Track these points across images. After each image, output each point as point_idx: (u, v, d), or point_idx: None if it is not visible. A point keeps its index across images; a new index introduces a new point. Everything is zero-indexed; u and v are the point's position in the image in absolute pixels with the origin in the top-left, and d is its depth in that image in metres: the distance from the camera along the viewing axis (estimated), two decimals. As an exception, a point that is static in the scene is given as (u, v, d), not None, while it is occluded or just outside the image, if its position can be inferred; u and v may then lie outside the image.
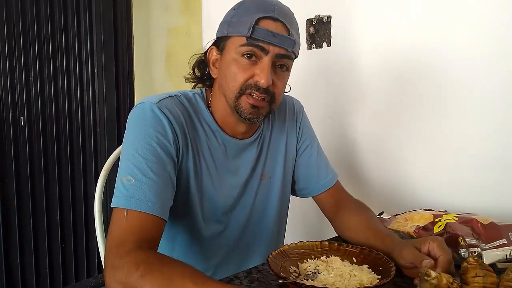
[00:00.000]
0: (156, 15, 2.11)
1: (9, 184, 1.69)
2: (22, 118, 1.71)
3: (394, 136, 1.36)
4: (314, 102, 1.56)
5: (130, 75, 2.05)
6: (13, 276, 1.72)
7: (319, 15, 1.52)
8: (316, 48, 1.55)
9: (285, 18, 0.82)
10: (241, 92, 0.83)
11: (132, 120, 0.82)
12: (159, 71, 2.14)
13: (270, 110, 0.87)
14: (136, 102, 2.02)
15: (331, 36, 1.50)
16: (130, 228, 0.71)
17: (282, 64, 0.84)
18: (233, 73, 0.83)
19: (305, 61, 1.58)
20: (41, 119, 1.76)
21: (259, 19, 0.80)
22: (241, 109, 0.84)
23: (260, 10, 0.81)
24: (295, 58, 0.88)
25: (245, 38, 0.80)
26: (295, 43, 0.83)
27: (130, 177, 0.75)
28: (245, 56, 0.82)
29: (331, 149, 1.41)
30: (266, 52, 0.81)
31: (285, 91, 0.98)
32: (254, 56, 0.82)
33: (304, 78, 1.60)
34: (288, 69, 0.87)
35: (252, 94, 0.82)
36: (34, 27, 1.71)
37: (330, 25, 1.50)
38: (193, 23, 2.17)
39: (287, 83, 0.93)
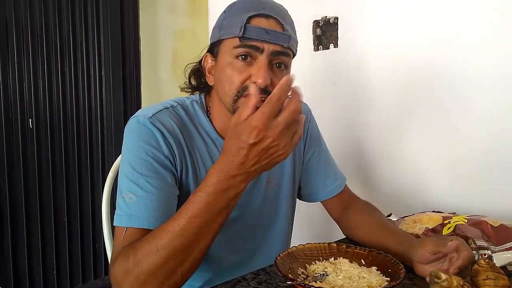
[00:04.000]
0: (163, 18, 2.13)
1: (17, 185, 1.71)
2: (30, 120, 1.73)
3: (402, 138, 1.35)
4: (321, 104, 1.55)
5: (137, 78, 2.06)
6: (20, 277, 1.73)
7: (326, 16, 1.52)
8: (323, 49, 1.55)
9: (278, 14, 0.78)
10: (239, 95, 0.79)
11: (126, 135, 0.82)
12: (166, 73, 2.15)
13: None
14: (142, 105, 2.05)
15: (338, 37, 1.50)
16: (128, 243, 0.71)
17: (279, 62, 0.80)
18: (228, 76, 0.79)
19: (312, 63, 1.58)
20: (49, 121, 1.77)
21: (250, 18, 0.76)
22: None
23: (251, 8, 0.77)
24: (293, 56, 0.85)
25: (238, 39, 0.77)
26: (291, 38, 0.79)
27: (131, 194, 0.75)
28: (240, 57, 0.78)
29: (338, 151, 1.40)
30: (261, 50, 0.77)
31: None
32: (249, 57, 0.78)
33: (311, 79, 1.59)
34: (286, 67, 0.82)
35: None
36: (42, 30, 1.73)
37: (337, 27, 1.49)
38: (199, 25, 2.18)
39: None
